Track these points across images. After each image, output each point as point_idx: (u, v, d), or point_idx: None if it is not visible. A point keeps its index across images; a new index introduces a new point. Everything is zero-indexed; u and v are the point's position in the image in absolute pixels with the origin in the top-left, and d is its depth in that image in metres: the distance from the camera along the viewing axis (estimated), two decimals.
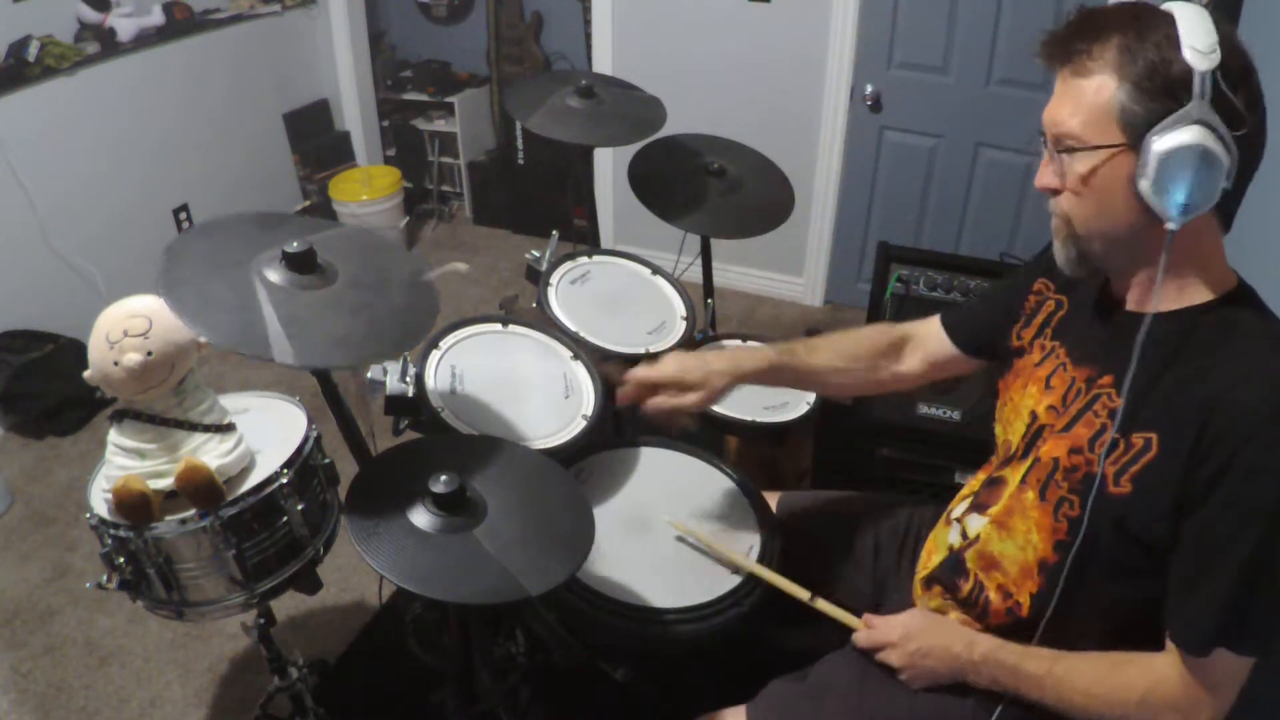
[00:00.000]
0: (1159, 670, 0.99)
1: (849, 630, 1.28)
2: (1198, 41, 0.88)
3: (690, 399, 1.32)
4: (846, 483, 1.70)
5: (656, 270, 1.94)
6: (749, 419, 1.72)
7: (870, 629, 1.24)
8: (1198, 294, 0.99)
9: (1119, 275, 1.06)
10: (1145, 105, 0.90)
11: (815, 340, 1.43)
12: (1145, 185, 0.91)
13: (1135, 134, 0.91)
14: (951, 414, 2.36)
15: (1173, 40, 0.89)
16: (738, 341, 1.98)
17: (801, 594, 1.30)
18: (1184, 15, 0.90)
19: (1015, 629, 1.14)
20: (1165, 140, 0.88)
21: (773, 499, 1.56)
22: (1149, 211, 0.92)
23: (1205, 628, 0.94)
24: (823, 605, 1.29)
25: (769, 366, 1.38)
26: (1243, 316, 0.97)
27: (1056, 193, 1.01)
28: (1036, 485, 1.10)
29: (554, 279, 1.79)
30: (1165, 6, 0.93)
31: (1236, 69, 0.89)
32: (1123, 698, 1.01)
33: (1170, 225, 0.91)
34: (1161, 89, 0.89)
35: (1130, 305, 1.05)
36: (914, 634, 1.18)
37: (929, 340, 1.40)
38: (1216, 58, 0.87)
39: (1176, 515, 0.95)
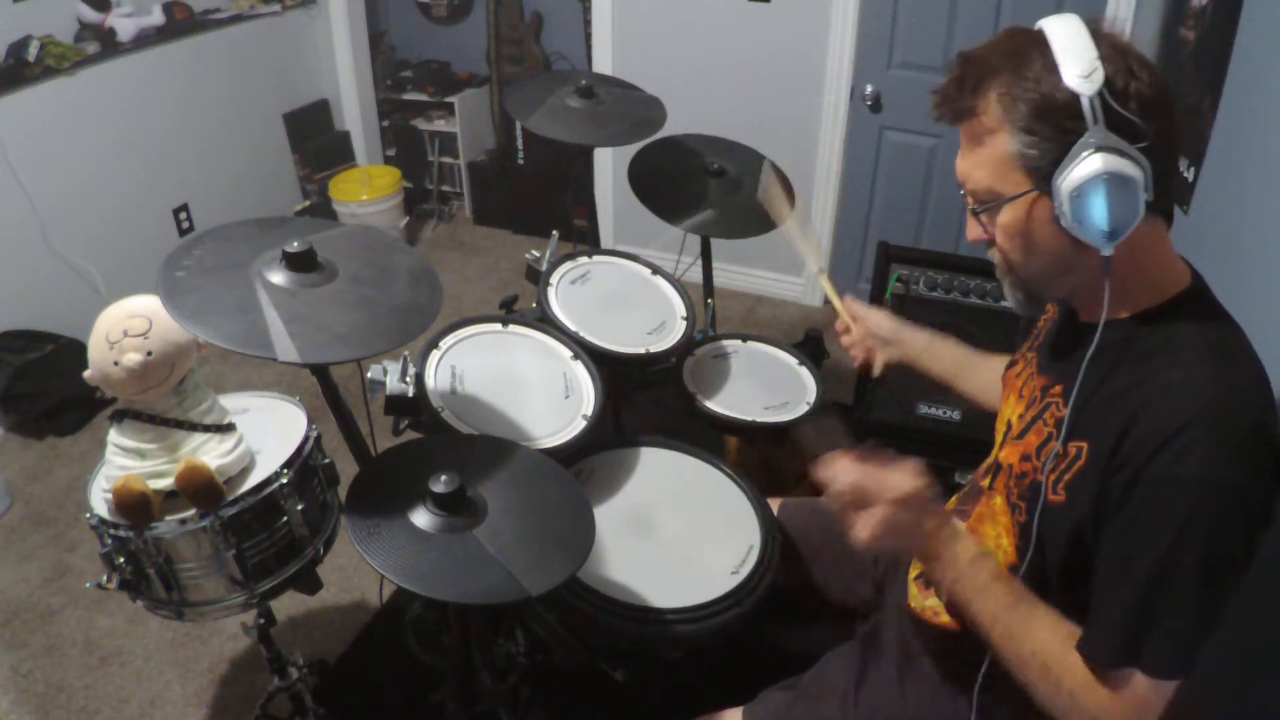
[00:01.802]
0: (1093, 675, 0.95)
1: (849, 630, 1.28)
2: (1077, 65, 0.86)
3: (880, 337, 1.47)
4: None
5: (656, 270, 1.94)
6: (749, 419, 1.72)
7: (857, 464, 1.03)
8: (1142, 301, 0.97)
9: (1061, 300, 1.07)
10: (1040, 147, 0.89)
11: (975, 360, 1.44)
12: (1066, 223, 0.90)
13: (1041, 176, 0.90)
14: (951, 414, 2.36)
15: (1051, 67, 0.87)
16: (738, 342, 1.98)
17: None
18: (1057, 34, 0.88)
19: None
20: (1071, 177, 0.87)
21: (774, 502, 1.56)
22: (1079, 242, 0.91)
23: (1110, 643, 0.91)
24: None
25: (924, 350, 1.46)
26: (1182, 325, 0.95)
27: (991, 242, 1.01)
28: (1003, 490, 1.10)
29: (554, 279, 1.79)
30: (1040, 25, 0.91)
31: (1123, 78, 0.87)
32: (1060, 677, 0.95)
33: (1104, 252, 0.90)
34: (1051, 126, 0.88)
35: (1083, 317, 1.05)
36: (910, 504, 1.01)
37: None
38: (1100, 76, 0.85)
39: (1096, 524, 0.94)
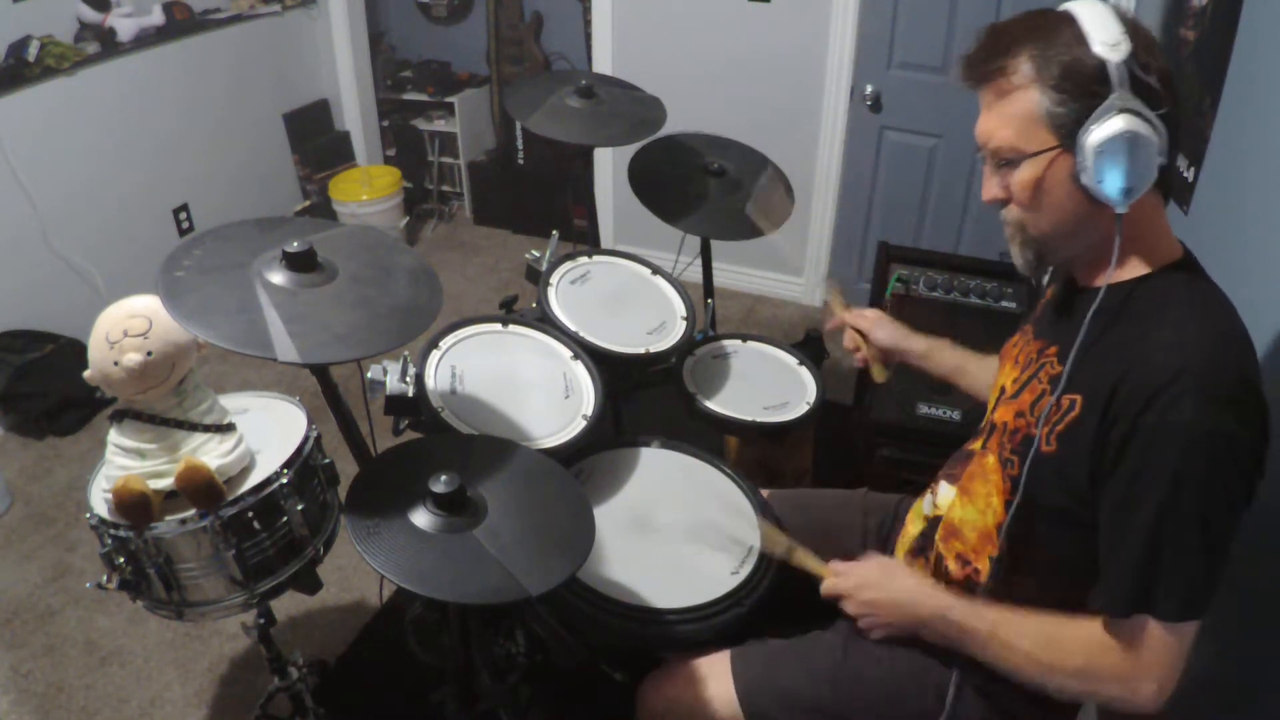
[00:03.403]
0: (1100, 638, 1.00)
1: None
2: (1105, 35, 0.93)
3: (878, 335, 1.50)
4: (846, 482, 1.70)
5: (656, 270, 1.94)
6: (749, 419, 1.72)
7: (836, 575, 1.26)
8: (1138, 267, 1.03)
9: (1067, 263, 1.12)
10: (1069, 105, 0.95)
11: (970, 362, 1.47)
12: (1087, 179, 0.95)
13: (1066, 134, 0.96)
14: (951, 414, 2.36)
15: (1080, 38, 0.94)
16: (738, 342, 1.98)
17: (780, 543, 1.33)
18: (1085, 13, 0.96)
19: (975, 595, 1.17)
20: (1097, 133, 0.93)
21: (773, 498, 1.56)
22: (1094, 201, 0.97)
23: (1120, 593, 0.97)
24: (800, 557, 1.31)
25: (927, 351, 1.49)
26: (1175, 286, 1.01)
27: (1005, 203, 1.05)
28: (996, 449, 1.15)
29: (554, 279, 1.79)
30: (1064, 7, 0.98)
31: (1144, 53, 0.94)
32: (1063, 664, 1.03)
33: (1119, 210, 0.96)
34: (1080, 87, 0.94)
35: (1081, 281, 1.10)
36: (867, 584, 1.22)
37: None
38: (1126, 47, 0.93)
39: (1093, 477, 0.99)
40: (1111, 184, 0.94)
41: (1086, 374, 1.01)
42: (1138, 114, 0.92)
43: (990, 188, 1.06)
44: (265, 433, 1.47)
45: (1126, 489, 0.95)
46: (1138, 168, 0.93)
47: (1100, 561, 1.00)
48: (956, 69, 1.05)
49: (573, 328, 1.69)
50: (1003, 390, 1.19)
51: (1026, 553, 1.10)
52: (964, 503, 1.19)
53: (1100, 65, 0.93)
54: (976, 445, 1.22)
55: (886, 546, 1.45)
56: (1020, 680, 1.07)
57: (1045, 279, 1.32)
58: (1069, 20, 0.96)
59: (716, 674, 1.28)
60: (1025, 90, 0.97)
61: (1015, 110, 0.98)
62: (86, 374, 1.31)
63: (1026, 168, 1.00)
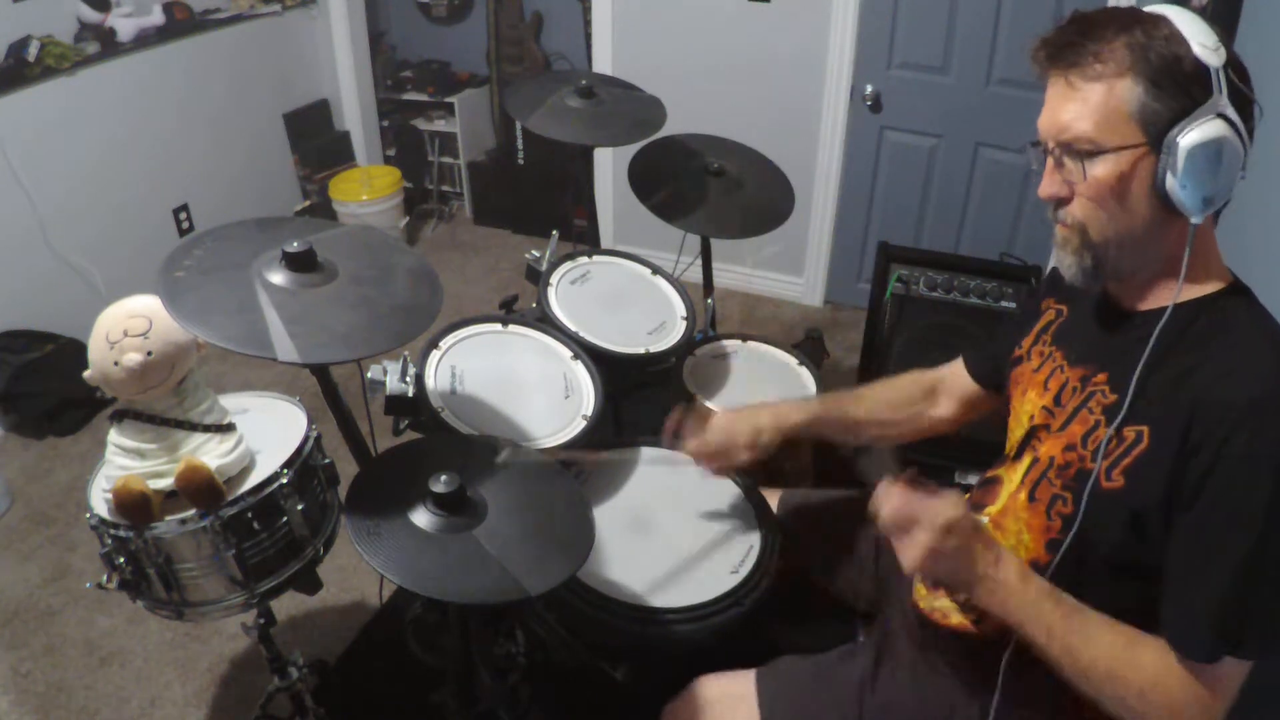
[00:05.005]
0: (1168, 664, 0.95)
1: (851, 628, 1.27)
2: (1204, 38, 0.90)
3: (742, 459, 1.39)
4: (847, 481, 1.70)
5: (656, 270, 1.94)
6: None
7: (903, 491, 1.05)
8: (1194, 289, 0.99)
9: (1122, 276, 1.05)
10: (1165, 102, 0.90)
11: (859, 390, 1.45)
12: (1172, 182, 0.91)
13: (1155, 132, 0.91)
14: None
15: (1177, 38, 0.90)
16: (738, 342, 1.98)
17: None
18: (1178, 16, 0.92)
19: (1010, 628, 1.12)
20: (1191, 136, 0.89)
21: (773, 497, 1.56)
22: (1167, 208, 0.93)
23: (1204, 633, 0.91)
24: None
25: (813, 418, 1.42)
26: (1237, 311, 0.98)
27: (1064, 202, 0.99)
28: (1029, 486, 1.10)
29: (554, 279, 1.80)
30: (1153, 9, 0.94)
31: (1237, 65, 0.91)
32: (1126, 678, 0.96)
33: (1194, 220, 0.92)
34: (1179, 85, 0.90)
35: (1129, 304, 1.05)
36: (954, 530, 1.02)
37: (957, 382, 1.41)
38: (1224, 54, 0.90)
39: (1168, 511, 0.94)
40: (1194, 192, 0.90)
41: (1151, 404, 0.96)
42: (1234, 124, 0.89)
43: (1051, 183, 0.99)
44: (265, 433, 1.47)
45: (1210, 521, 0.90)
46: (1224, 179, 0.90)
47: (1171, 599, 0.95)
48: (1035, 51, 0.97)
49: (573, 328, 1.69)
50: (1031, 419, 1.14)
51: (1075, 591, 1.03)
52: (999, 536, 1.14)
53: (1200, 66, 0.89)
54: (1009, 477, 1.17)
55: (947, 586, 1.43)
56: (1074, 683, 0.99)
57: (1040, 297, 1.26)
58: (1165, 21, 0.91)
59: (742, 705, 1.26)
60: (1118, 79, 0.91)
61: (1101, 100, 0.92)
62: (86, 374, 1.31)
63: (1103, 163, 0.93)
